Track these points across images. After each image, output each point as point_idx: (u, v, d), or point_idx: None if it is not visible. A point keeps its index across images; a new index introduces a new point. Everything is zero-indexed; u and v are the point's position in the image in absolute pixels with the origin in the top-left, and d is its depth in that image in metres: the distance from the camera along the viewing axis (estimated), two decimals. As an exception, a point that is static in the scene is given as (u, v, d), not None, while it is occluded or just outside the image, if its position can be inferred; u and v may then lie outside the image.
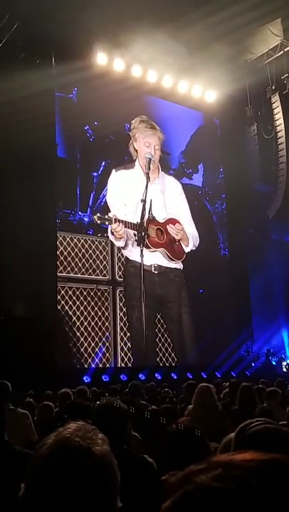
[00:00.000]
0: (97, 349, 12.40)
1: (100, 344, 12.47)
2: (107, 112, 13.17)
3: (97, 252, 12.94)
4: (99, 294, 12.78)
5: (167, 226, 11.48)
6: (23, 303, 11.43)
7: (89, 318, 12.43)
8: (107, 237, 12.53)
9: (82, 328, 12.30)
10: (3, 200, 11.22)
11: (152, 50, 13.23)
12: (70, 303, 12.28)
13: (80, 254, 12.64)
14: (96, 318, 12.55)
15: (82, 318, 12.34)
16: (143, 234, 10.79)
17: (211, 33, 12.92)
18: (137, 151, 11.99)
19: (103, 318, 12.68)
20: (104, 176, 13.04)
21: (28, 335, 10.71)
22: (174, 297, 12.21)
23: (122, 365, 12.64)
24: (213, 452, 2.44)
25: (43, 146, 11.87)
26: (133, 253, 11.65)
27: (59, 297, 12.22)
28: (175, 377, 11.90)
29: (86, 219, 13.08)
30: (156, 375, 11.73)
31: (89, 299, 12.56)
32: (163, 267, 11.91)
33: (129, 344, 12.63)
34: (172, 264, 12.09)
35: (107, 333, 12.61)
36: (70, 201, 12.97)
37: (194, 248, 12.41)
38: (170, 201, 12.21)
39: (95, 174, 13.43)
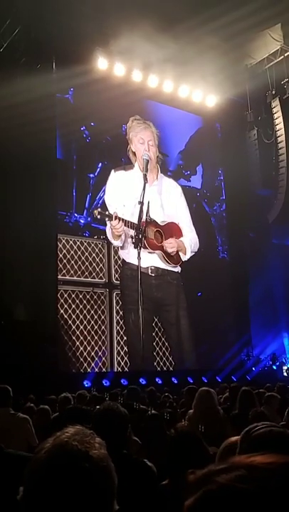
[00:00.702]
0: (93, 353, 12.33)
1: (98, 348, 12.41)
2: (105, 114, 13.07)
3: (94, 255, 12.84)
4: (95, 297, 12.66)
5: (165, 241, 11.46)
6: (24, 307, 11.43)
7: (85, 322, 12.29)
8: (104, 239, 12.50)
9: (78, 332, 12.13)
10: (3, 203, 11.23)
11: (152, 55, 13.26)
12: (66, 306, 12.14)
13: (76, 257, 12.51)
14: (92, 322, 12.42)
15: (78, 322, 12.19)
16: (140, 236, 10.76)
17: (212, 38, 12.94)
18: (135, 154, 11.98)
19: (99, 322, 12.57)
20: (101, 178, 12.98)
21: (29, 339, 10.71)
22: (171, 300, 12.16)
23: (119, 369, 12.54)
24: (212, 457, 2.44)
25: (44, 150, 11.86)
26: (130, 255, 11.61)
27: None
28: (176, 381, 11.88)
29: (82, 221, 12.92)
30: (157, 379, 11.72)
31: (85, 302, 12.41)
32: (160, 270, 11.87)
33: (125, 348, 12.57)
34: (170, 267, 12.06)
35: (103, 347, 12.50)
36: (66, 203, 12.80)
37: (193, 253, 12.39)
38: (168, 203, 12.18)
39: (91, 175, 13.28)
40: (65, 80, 12.53)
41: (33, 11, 11.56)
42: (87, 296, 12.53)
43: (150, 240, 11.27)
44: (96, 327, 12.49)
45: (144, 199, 10.93)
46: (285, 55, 15.47)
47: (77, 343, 12.12)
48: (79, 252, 12.62)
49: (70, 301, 12.25)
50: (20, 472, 1.04)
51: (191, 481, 0.68)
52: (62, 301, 12.13)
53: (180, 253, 11.98)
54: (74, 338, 12.11)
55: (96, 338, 12.43)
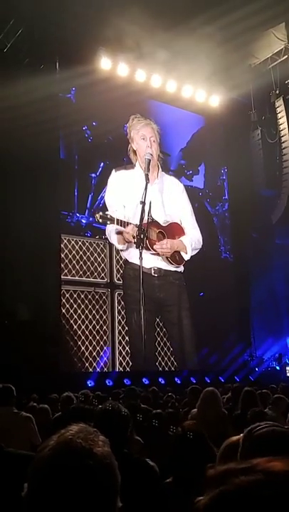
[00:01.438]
0: (95, 353, 12.33)
1: (100, 348, 12.41)
2: (107, 114, 13.05)
3: (95, 255, 12.83)
4: (97, 297, 12.64)
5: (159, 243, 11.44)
6: (27, 306, 11.44)
7: (86, 322, 12.28)
8: (106, 239, 12.45)
9: (79, 332, 12.15)
10: (6, 204, 11.24)
11: (156, 54, 13.27)
12: (68, 306, 12.15)
13: (77, 257, 12.50)
14: (94, 322, 12.42)
15: (79, 322, 12.20)
16: (142, 236, 10.74)
17: (215, 37, 12.93)
18: (136, 153, 11.95)
19: (101, 322, 12.56)
20: (103, 177, 12.94)
21: (32, 338, 10.72)
22: (174, 301, 12.14)
23: (120, 369, 12.53)
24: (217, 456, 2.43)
25: (46, 150, 11.85)
26: (132, 255, 11.58)
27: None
28: (179, 381, 11.87)
29: (84, 221, 12.90)
30: (160, 379, 11.72)
31: (86, 301, 12.41)
32: (163, 270, 11.85)
33: (127, 348, 12.56)
34: (172, 267, 12.04)
35: (105, 347, 12.51)
36: (67, 203, 12.79)
37: (196, 251, 12.37)
38: (169, 202, 12.15)
39: (93, 175, 13.27)
40: (68, 80, 12.54)
41: (37, 11, 11.57)
42: (89, 296, 12.52)
43: (152, 241, 11.24)
44: (98, 327, 12.48)
45: (146, 199, 10.92)
46: (289, 54, 15.46)
47: (79, 343, 12.11)
48: (81, 252, 12.61)
49: (71, 301, 12.25)
50: (19, 471, 1.04)
51: (210, 476, 0.68)
52: (64, 301, 12.12)
53: (182, 253, 11.96)
54: (76, 337, 12.10)
55: (98, 338, 12.42)
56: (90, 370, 11.95)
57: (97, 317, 12.53)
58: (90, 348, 12.23)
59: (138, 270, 10.87)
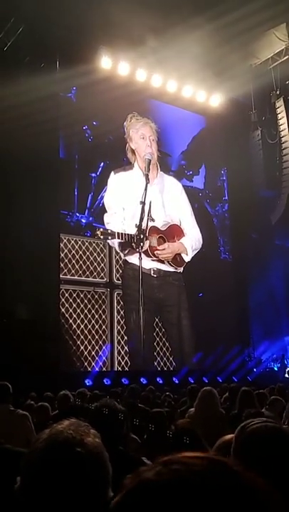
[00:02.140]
0: (94, 353, 12.32)
1: (98, 348, 12.40)
2: (107, 114, 13.04)
3: (95, 254, 12.82)
4: (96, 296, 12.64)
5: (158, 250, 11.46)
6: (26, 305, 11.44)
7: (86, 321, 12.29)
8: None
9: (78, 331, 12.15)
10: (7, 203, 11.23)
11: (157, 54, 13.27)
12: (67, 305, 12.16)
13: (77, 256, 12.49)
14: (93, 321, 12.42)
15: (78, 321, 12.20)
16: (142, 237, 10.75)
17: (216, 37, 12.93)
18: (134, 152, 11.93)
19: (100, 321, 12.57)
20: (103, 177, 12.94)
21: (31, 337, 10.71)
22: (173, 301, 12.15)
23: (119, 368, 12.54)
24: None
25: (46, 150, 11.84)
26: (132, 256, 11.64)
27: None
28: (177, 381, 11.88)
29: (84, 220, 12.90)
30: (158, 379, 11.72)
31: (86, 301, 12.41)
32: (162, 271, 11.87)
33: (126, 348, 12.56)
34: (172, 268, 12.05)
35: (104, 347, 12.50)
36: (67, 202, 12.77)
37: (196, 251, 12.37)
38: (169, 202, 12.16)
39: (93, 175, 13.24)
40: (69, 79, 12.52)
41: (37, 10, 11.55)
42: (88, 296, 12.52)
43: (154, 248, 11.29)
44: (97, 326, 12.48)
45: (145, 199, 10.91)
46: (290, 54, 15.45)
47: (78, 342, 12.11)
48: (80, 252, 12.60)
49: (71, 300, 12.25)
50: (17, 467, 1.05)
51: (124, 484, 0.69)
52: (63, 300, 12.11)
53: (182, 254, 11.97)
54: (75, 337, 12.10)
55: (97, 337, 12.41)
56: (89, 369, 11.95)
57: (96, 317, 12.52)
58: (89, 348, 12.22)
59: (137, 270, 10.89)
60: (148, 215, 11.00)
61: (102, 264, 12.88)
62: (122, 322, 12.60)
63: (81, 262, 12.54)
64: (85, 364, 12.07)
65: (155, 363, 12.79)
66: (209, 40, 12.88)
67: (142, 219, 10.74)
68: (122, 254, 12.33)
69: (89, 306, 12.44)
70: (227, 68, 14.51)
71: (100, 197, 13.07)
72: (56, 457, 0.99)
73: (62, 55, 12.71)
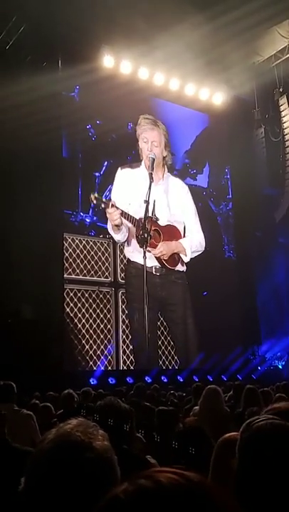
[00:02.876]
0: (99, 352, 12.32)
1: (103, 347, 12.41)
2: (111, 112, 13.03)
3: (99, 254, 12.84)
4: (101, 295, 12.66)
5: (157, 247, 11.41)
6: (30, 305, 11.45)
7: (91, 321, 12.30)
8: (110, 238, 12.48)
9: (83, 331, 12.17)
10: (10, 202, 11.23)
11: (159, 52, 13.24)
12: (72, 305, 12.16)
13: (81, 256, 12.51)
14: (98, 321, 12.45)
15: (84, 321, 12.21)
16: (146, 235, 10.75)
17: (218, 35, 12.89)
18: (141, 150, 11.99)
19: (105, 321, 12.58)
20: (107, 176, 12.94)
21: (35, 337, 10.72)
22: (176, 300, 12.14)
23: (125, 368, 12.56)
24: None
25: (50, 149, 11.86)
26: (135, 254, 11.60)
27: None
28: (181, 380, 11.88)
29: (88, 220, 12.93)
30: (163, 377, 11.72)
31: (90, 300, 12.42)
32: (164, 269, 11.87)
33: (131, 347, 12.57)
34: (170, 266, 12.04)
35: (108, 346, 12.50)
36: (71, 202, 12.79)
37: (197, 254, 12.35)
38: (174, 203, 12.15)
39: (97, 174, 13.23)
40: (71, 78, 12.52)
41: (39, 9, 11.53)
42: (93, 295, 12.53)
43: (151, 243, 11.28)
44: (102, 326, 12.49)
45: (149, 198, 10.91)
46: (293, 52, 15.41)
47: (83, 342, 12.12)
48: (85, 251, 12.62)
49: (75, 299, 12.26)
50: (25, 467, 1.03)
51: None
52: (68, 299, 12.13)
53: (181, 255, 11.95)
54: (80, 336, 12.11)
55: (102, 336, 12.43)
56: (95, 368, 11.95)
57: (101, 316, 12.53)
58: (94, 347, 12.24)
59: (140, 269, 10.89)
60: (152, 214, 10.99)
61: (107, 264, 12.88)
62: (126, 321, 12.60)
63: (86, 262, 12.55)
64: (91, 363, 12.08)
65: (160, 362, 12.79)
66: (212, 38, 12.85)
67: (145, 218, 10.72)
68: (125, 253, 12.31)
69: (94, 305, 12.45)
70: (230, 66, 14.49)
71: (104, 196, 13.05)
72: (63, 461, 0.97)
73: (65, 54, 12.72)
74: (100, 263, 12.77)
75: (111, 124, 13.20)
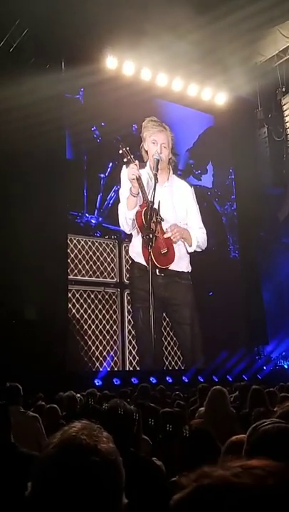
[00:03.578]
0: (105, 353, 12.34)
1: (109, 348, 12.42)
2: (115, 114, 13.04)
3: (105, 255, 12.88)
4: (106, 296, 12.71)
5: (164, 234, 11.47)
6: (34, 306, 11.46)
7: (96, 322, 12.35)
8: (115, 239, 12.67)
9: (89, 332, 12.20)
10: (14, 203, 11.25)
11: (162, 53, 13.24)
12: (78, 306, 12.20)
13: (87, 257, 12.56)
14: (104, 321, 12.48)
15: (89, 322, 12.26)
16: (151, 236, 10.78)
17: (221, 35, 12.89)
18: (147, 152, 12.04)
19: (111, 322, 12.61)
20: (112, 178, 13.01)
21: (40, 338, 10.74)
22: (180, 300, 12.18)
23: (130, 368, 12.58)
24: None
25: (54, 150, 11.90)
26: (138, 255, 11.68)
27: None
28: (186, 380, 11.88)
29: (93, 221, 12.98)
30: (168, 378, 11.72)
31: (96, 301, 12.47)
32: (168, 270, 11.90)
33: (137, 347, 12.59)
34: (178, 267, 12.07)
35: (114, 347, 12.52)
36: (77, 203, 12.85)
37: (199, 250, 12.39)
38: (180, 204, 12.20)
39: (102, 175, 13.28)
40: (75, 79, 12.54)
41: (42, 11, 11.55)
42: (99, 296, 12.56)
43: (162, 233, 11.39)
44: (108, 327, 12.52)
45: (154, 199, 10.94)
46: (295, 51, 15.39)
47: (89, 343, 12.15)
48: (90, 252, 12.66)
49: (81, 300, 12.29)
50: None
51: (182, 481, 0.67)
52: (74, 300, 12.17)
53: (186, 245, 12.03)
54: (86, 337, 12.14)
55: (108, 337, 12.45)
56: (101, 369, 11.97)
57: (107, 317, 12.56)
58: (101, 348, 12.27)
59: (144, 269, 10.92)
60: (157, 215, 11.03)
61: (112, 264, 12.92)
62: (132, 322, 12.62)
63: (91, 263, 12.60)
64: (97, 364, 12.11)
65: (166, 362, 12.81)
66: (214, 38, 12.85)
67: (150, 218, 10.75)
68: (130, 253, 12.38)
69: (100, 306, 12.49)
70: (232, 66, 14.48)
71: (109, 197, 13.11)
72: (69, 465, 0.97)
73: (68, 56, 12.73)
74: (105, 264, 12.81)
75: (115, 126, 13.22)
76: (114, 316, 12.70)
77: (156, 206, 10.97)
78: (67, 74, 12.59)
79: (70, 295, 12.14)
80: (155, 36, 12.21)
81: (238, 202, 16.14)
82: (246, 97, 16.38)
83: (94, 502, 0.95)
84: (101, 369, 11.97)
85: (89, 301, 12.37)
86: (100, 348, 12.28)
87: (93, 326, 12.30)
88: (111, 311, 12.66)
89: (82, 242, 12.63)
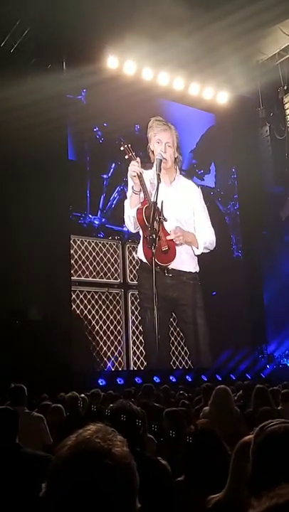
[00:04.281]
0: (109, 353, 12.35)
1: (114, 348, 12.43)
2: (117, 114, 13.06)
3: (108, 255, 12.89)
4: (110, 297, 12.72)
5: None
6: (38, 306, 11.48)
7: (100, 322, 12.38)
8: (118, 239, 12.70)
9: (93, 332, 12.24)
10: (16, 203, 11.26)
11: (164, 52, 13.23)
12: (82, 306, 12.23)
13: (90, 258, 12.59)
14: (108, 322, 12.50)
15: (93, 322, 12.30)
16: (154, 236, 10.78)
17: (223, 34, 12.87)
18: (153, 152, 12.05)
19: (115, 322, 12.63)
20: (114, 178, 13.03)
21: (43, 338, 10.77)
22: (187, 300, 12.19)
23: (135, 368, 12.58)
24: (230, 455, 2.42)
25: (56, 150, 11.91)
26: (142, 254, 11.71)
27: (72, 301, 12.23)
28: (190, 379, 11.88)
29: (97, 222, 13.01)
30: (171, 377, 11.73)
31: (100, 302, 12.50)
32: (176, 270, 11.91)
33: (141, 348, 12.59)
34: (185, 267, 12.08)
35: (119, 347, 12.53)
36: (80, 204, 12.87)
37: (208, 251, 12.42)
38: (185, 205, 12.20)
39: (104, 176, 13.30)
40: (76, 79, 12.54)
41: (42, 12, 11.56)
42: (103, 297, 12.57)
43: (165, 233, 11.42)
44: (112, 327, 12.54)
45: (157, 199, 10.94)
46: (297, 50, 15.37)
47: (93, 343, 12.17)
48: (94, 253, 12.68)
49: (85, 301, 12.31)
50: (37, 471, 1.04)
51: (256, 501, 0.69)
52: (78, 301, 12.20)
53: (193, 248, 12.03)
54: (90, 338, 12.16)
55: (112, 338, 12.47)
56: (105, 369, 11.99)
57: (111, 317, 12.59)
58: (105, 348, 12.29)
59: (152, 271, 10.92)
60: (161, 215, 11.04)
61: (116, 265, 12.93)
62: (136, 322, 12.64)
63: (95, 264, 12.63)
64: (101, 365, 12.13)
65: (171, 362, 12.81)
66: (216, 37, 12.83)
67: (154, 218, 10.75)
68: (134, 255, 12.40)
69: (103, 307, 12.50)
70: (234, 65, 14.46)
71: (112, 198, 13.12)
72: (82, 467, 0.97)
73: (69, 56, 12.75)
74: (109, 265, 12.82)
75: (117, 126, 13.22)
76: (118, 317, 12.72)
77: (159, 206, 10.96)
78: (69, 74, 12.60)
79: (74, 296, 12.17)
80: (156, 35, 12.20)
81: (240, 201, 16.13)
82: (248, 96, 16.37)
83: (106, 505, 0.96)
84: (100, 369, 11.98)
85: (93, 301, 12.39)
86: (104, 348, 12.29)
87: (97, 327, 12.31)
88: (115, 312, 12.68)
89: (86, 243, 12.65)
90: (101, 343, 12.27)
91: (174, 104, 14.96)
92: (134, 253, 12.62)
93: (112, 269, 12.87)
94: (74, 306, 12.11)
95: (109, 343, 12.39)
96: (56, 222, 11.76)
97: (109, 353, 12.29)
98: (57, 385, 8.31)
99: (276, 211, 16.52)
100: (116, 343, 12.49)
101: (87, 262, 12.53)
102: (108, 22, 12.14)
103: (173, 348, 13.01)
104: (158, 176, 11.17)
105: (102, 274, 12.67)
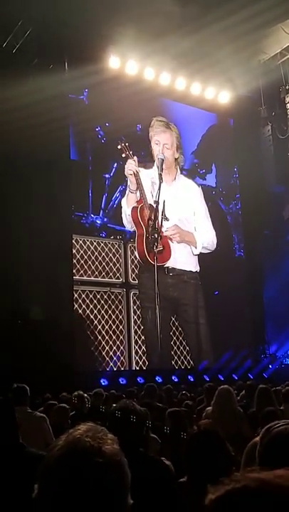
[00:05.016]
0: (111, 353, 12.35)
1: (116, 348, 12.43)
2: (119, 114, 13.06)
3: (110, 255, 12.90)
4: (112, 296, 12.73)
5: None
6: (40, 306, 11.48)
7: (103, 322, 12.39)
8: (120, 239, 12.70)
9: (96, 332, 12.25)
10: (18, 203, 11.27)
11: (165, 52, 13.23)
12: (84, 306, 12.24)
13: (92, 257, 12.61)
14: (110, 322, 12.51)
15: (96, 322, 12.31)
16: (156, 236, 10.78)
17: (225, 34, 12.86)
18: (154, 152, 12.07)
19: (117, 322, 12.64)
20: (116, 178, 13.03)
21: (45, 338, 10.77)
22: (189, 299, 12.18)
23: (137, 368, 12.59)
24: (234, 456, 2.42)
25: (58, 150, 11.92)
26: (138, 254, 11.76)
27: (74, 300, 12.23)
28: (192, 379, 11.88)
29: (99, 221, 13.02)
30: (173, 377, 11.72)
31: (102, 302, 12.51)
32: (176, 270, 11.91)
33: (143, 347, 12.59)
34: (186, 266, 12.07)
35: (121, 347, 12.53)
36: (82, 204, 12.89)
37: (207, 251, 12.40)
38: (186, 205, 12.19)
39: (106, 176, 13.31)
40: (78, 79, 12.55)
41: (44, 12, 11.57)
42: (105, 296, 12.58)
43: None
44: (114, 327, 12.54)
45: (159, 198, 10.94)
46: (299, 49, 15.35)
47: (96, 343, 12.18)
48: (96, 253, 12.69)
49: (87, 301, 12.32)
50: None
51: (213, 488, 0.68)
52: (80, 301, 12.20)
53: (192, 248, 12.03)
54: (92, 337, 12.17)
55: (114, 337, 12.47)
56: (107, 369, 11.99)
57: (113, 317, 12.59)
58: (107, 348, 12.29)
59: (152, 270, 10.91)
60: (162, 215, 11.04)
61: (118, 265, 12.94)
62: (138, 322, 12.64)
63: (97, 263, 12.63)
64: (103, 364, 12.13)
65: (173, 362, 12.81)
66: (218, 37, 12.82)
67: (155, 218, 10.75)
68: (137, 256, 12.41)
69: (106, 306, 12.51)
70: (235, 65, 14.46)
71: (114, 198, 13.11)
72: (74, 466, 0.98)
73: (71, 56, 12.77)
74: (111, 264, 12.83)
75: (119, 126, 13.20)
76: (120, 316, 12.72)
77: (160, 206, 10.96)
78: (71, 74, 12.61)
79: (76, 295, 12.17)
80: (158, 35, 12.20)
81: (242, 201, 16.12)
82: (250, 95, 16.36)
83: (98, 503, 0.96)
84: (108, 369, 11.98)
85: (95, 301, 12.40)
86: (106, 348, 12.30)
87: (99, 326, 12.32)
88: (117, 311, 12.68)
89: (88, 243, 12.65)
90: (103, 343, 12.27)
91: (175, 104, 14.96)
92: (135, 252, 12.59)
93: (114, 269, 12.88)
94: (76, 306, 12.12)
95: (111, 342, 12.39)
96: (58, 222, 11.76)
97: (111, 353, 12.29)
98: (59, 385, 8.31)
99: (278, 211, 16.50)
100: (118, 342, 12.49)
101: (89, 262, 12.54)
102: (110, 22, 12.14)
103: (175, 347, 13.00)
104: (160, 175, 11.17)
105: (104, 273, 12.68)
